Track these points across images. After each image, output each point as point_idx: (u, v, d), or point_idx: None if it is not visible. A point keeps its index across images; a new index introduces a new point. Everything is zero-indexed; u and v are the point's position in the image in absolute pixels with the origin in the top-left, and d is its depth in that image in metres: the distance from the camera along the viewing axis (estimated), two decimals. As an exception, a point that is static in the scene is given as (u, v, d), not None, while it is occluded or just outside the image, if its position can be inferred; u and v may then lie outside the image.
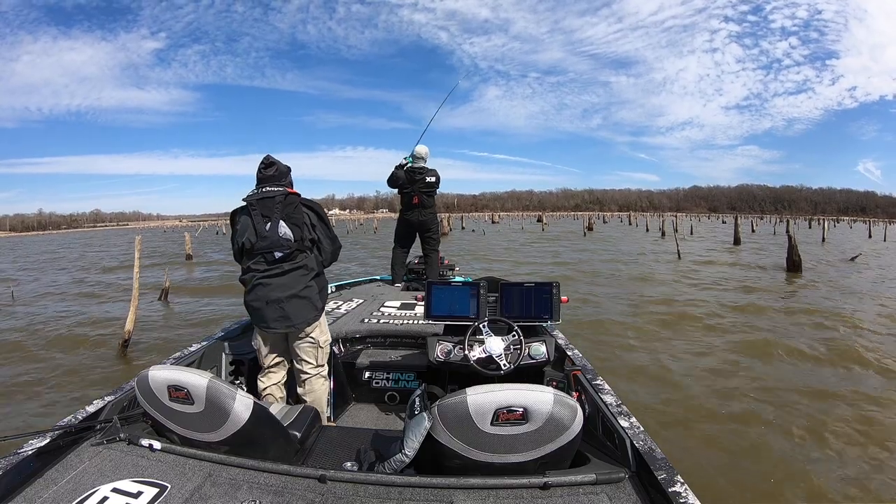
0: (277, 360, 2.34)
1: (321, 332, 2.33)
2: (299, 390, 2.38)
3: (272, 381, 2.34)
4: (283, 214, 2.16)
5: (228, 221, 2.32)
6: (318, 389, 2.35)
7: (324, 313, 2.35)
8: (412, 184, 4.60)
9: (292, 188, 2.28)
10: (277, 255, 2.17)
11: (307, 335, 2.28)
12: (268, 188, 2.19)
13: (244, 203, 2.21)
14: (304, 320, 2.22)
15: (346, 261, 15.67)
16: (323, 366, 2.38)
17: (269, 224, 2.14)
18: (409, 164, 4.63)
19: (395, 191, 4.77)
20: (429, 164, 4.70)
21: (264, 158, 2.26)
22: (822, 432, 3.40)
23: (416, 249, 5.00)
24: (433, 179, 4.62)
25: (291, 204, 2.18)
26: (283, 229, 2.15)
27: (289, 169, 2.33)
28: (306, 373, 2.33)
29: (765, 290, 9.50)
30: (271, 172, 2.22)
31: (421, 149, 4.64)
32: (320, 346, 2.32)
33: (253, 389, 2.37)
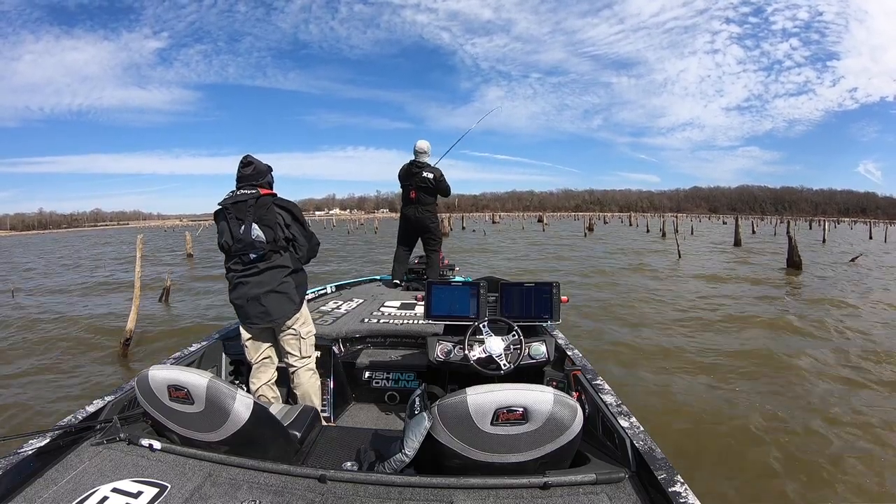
0: (265, 357, 2.39)
1: (303, 323, 2.38)
2: (291, 385, 2.43)
3: (262, 380, 2.38)
4: (256, 217, 2.21)
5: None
6: (305, 382, 2.39)
7: (305, 305, 2.40)
8: (410, 177, 4.51)
9: (271, 188, 2.34)
10: (252, 256, 2.24)
11: (289, 327, 2.34)
12: (241, 191, 2.26)
13: (220, 206, 2.28)
14: (283, 314, 2.29)
15: (355, 259, 15.67)
16: (308, 357, 2.42)
17: (243, 227, 2.21)
18: (414, 157, 4.53)
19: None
20: (434, 164, 4.61)
21: (243, 158, 2.32)
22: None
23: (418, 249, 4.96)
24: (431, 176, 4.48)
25: (263, 206, 2.23)
26: (256, 231, 2.21)
27: (269, 168, 2.37)
28: (292, 365, 2.39)
29: (764, 286, 9.51)
30: (249, 171, 2.29)
31: (421, 143, 4.53)
32: (303, 338, 2.38)
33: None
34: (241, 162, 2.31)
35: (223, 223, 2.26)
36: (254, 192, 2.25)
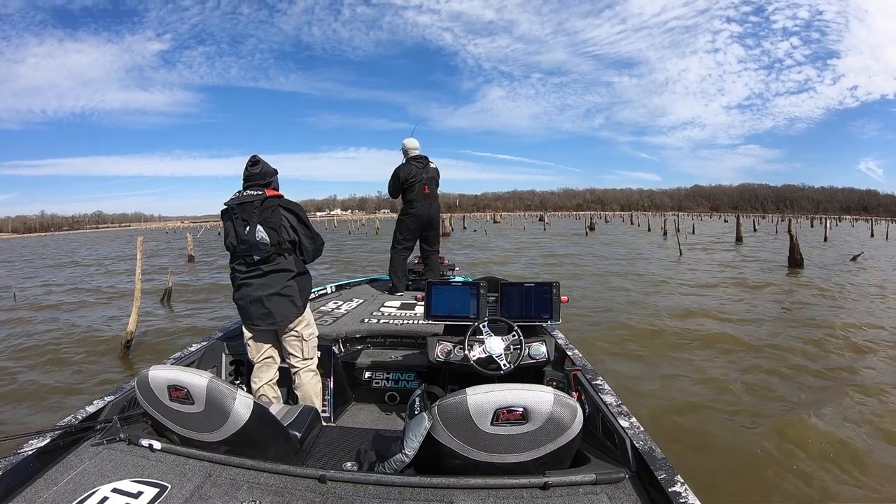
0: (266, 356, 2.39)
1: (305, 325, 2.39)
2: (292, 386, 2.44)
3: (263, 379, 2.39)
4: (261, 219, 2.21)
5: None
6: (307, 384, 2.39)
7: (308, 308, 2.41)
8: (421, 172, 4.26)
9: (277, 190, 2.33)
10: (256, 257, 2.24)
11: (292, 329, 2.34)
12: (248, 192, 2.25)
13: (225, 206, 2.28)
14: (286, 318, 2.29)
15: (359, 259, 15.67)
16: (310, 359, 2.42)
17: (248, 228, 2.21)
18: (410, 155, 4.33)
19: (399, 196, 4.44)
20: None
21: (251, 158, 2.32)
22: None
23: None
24: (435, 166, 4.36)
25: (269, 208, 2.22)
26: (261, 233, 2.21)
27: (275, 171, 2.38)
28: (294, 366, 2.39)
29: (766, 285, 9.50)
30: (256, 171, 2.29)
31: (413, 142, 4.35)
32: (305, 340, 2.38)
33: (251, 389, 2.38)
34: (249, 161, 2.31)
35: (228, 223, 2.27)
36: (260, 193, 2.24)
